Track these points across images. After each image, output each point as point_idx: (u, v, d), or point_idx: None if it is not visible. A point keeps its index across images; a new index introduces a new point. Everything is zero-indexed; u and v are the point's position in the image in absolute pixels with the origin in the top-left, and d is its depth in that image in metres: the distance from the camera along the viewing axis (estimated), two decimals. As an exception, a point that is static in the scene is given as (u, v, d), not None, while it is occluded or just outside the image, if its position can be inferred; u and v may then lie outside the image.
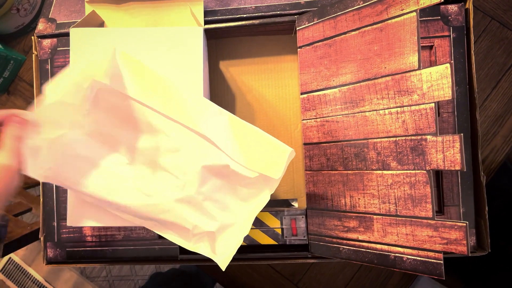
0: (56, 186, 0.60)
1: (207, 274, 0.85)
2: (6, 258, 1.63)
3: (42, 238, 0.61)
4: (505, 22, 0.81)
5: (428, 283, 1.29)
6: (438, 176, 0.56)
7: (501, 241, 0.85)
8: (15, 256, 1.63)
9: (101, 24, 0.60)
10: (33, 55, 0.61)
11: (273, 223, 0.58)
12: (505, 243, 0.83)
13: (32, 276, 1.61)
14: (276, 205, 0.64)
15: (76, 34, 0.55)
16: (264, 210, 0.59)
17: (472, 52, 0.53)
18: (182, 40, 0.54)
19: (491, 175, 0.81)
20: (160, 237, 0.59)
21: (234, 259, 0.59)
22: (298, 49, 0.57)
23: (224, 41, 0.65)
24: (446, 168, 0.43)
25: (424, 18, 0.55)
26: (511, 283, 0.78)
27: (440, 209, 0.56)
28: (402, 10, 0.45)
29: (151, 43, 0.54)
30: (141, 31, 0.54)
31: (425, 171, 0.44)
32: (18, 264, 1.62)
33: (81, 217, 0.55)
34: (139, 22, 0.59)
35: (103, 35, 0.55)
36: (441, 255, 0.44)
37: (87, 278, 1.58)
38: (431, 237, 0.44)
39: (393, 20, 0.46)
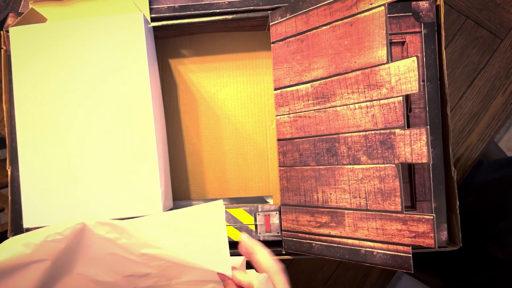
0: (25, 183, 0.59)
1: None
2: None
3: (10, 238, 0.59)
4: (480, 21, 0.83)
5: (409, 282, 1.30)
6: (410, 171, 0.56)
7: (478, 239, 0.86)
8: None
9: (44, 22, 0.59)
10: (2, 50, 0.60)
11: (247, 219, 0.58)
12: (482, 240, 0.84)
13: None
14: (251, 202, 0.63)
15: (17, 33, 0.54)
16: (237, 206, 0.58)
17: (443, 48, 0.53)
18: (123, 29, 0.54)
19: (467, 173, 0.82)
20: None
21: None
22: (272, 45, 0.57)
23: (198, 37, 0.65)
24: (413, 161, 0.43)
25: (396, 14, 0.55)
26: (489, 279, 0.79)
27: (412, 205, 0.56)
28: (371, 4, 0.45)
29: (92, 35, 0.54)
30: (81, 23, 0.54)
31: (394, 165, 0.44)
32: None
33: (38, 217, 0.54)
34: (82, 16, 0.58)
35: (43, 31, 0.54)
36: (409, 249, 0.44)
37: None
38: (400, 230, 0.44)
39: (363, 15, 0.46)
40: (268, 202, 0.62)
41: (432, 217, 0.42)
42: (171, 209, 0.57)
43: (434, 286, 1.10)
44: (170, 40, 0.65)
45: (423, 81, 0.55)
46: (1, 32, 0.60)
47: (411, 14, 0.55)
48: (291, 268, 0.86)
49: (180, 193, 0.66)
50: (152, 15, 0.58)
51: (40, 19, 0.58)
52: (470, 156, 0.82)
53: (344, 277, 0.85)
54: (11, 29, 0.54)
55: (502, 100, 0.81)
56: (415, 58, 0.41)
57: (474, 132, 0.82)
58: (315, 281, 0.85)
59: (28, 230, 0.59)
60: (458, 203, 0.52)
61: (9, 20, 0.61)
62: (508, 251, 0.68)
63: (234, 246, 0.59)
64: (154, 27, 0.59)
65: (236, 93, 0.64)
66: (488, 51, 0.82)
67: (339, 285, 0.85)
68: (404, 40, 0.55)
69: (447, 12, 0.82)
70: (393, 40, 0.55)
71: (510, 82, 0.81)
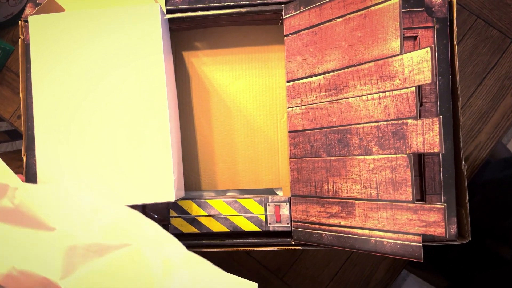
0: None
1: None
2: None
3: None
4: (491, 21, 0.83)
5: (414, 282, 1.30)
6: (420, 165, 0.56)
7: (485, 238, 0.86)
8: None
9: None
10: (20, 39, 0.61)
11: (257, 210, 0.58)
12: (488, 239, 0.84)
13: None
14: (260, 193, 0.64)
15: (35, 22, 0.55)
16: (248, 197, 0.59)
17: (455, 43, 0.54)
18: (139, 19, 0.55)
19: (475, 172, 0.82)
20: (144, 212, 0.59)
21: (217, 245, 0.59)
22: (285, 37, 0.58)
23: (212, 30, 0.66)
24: (425, 151, 0.43)
25: (408, 9, 0.56)
26: (494, 279, 0.79)
27: (422, 198, 0.56)
28: (385, -4, 0.46)
29: (109, 25, 0.55)
30: (98, 13, 0.55)
31: (405, 155, 0.45)
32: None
33: None
34: (99, 5, 0.59)
35: (61, 19, 0.55)
36: (420, 238, 0.44)
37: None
38: (411, 220, 0.45)
39: (377, 7, 0.47)
40: (277, 194, 0.63)
41: (443, 206, 0.42)
42: (182, 199, 0.58)
43: (438, 285, 1.10)
44: (184, 33, 0.66)
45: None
46: (20, 22, 0.62)
47: (423, 9, 0.56)
48: (297, 264, 0.86)
49: (191, 184, 0.66)
50: (167, 7, 0.59)
51: (58, 9, 0.59)
52: (478, 156, 0.82)
53: (351, 273, 0.85)
54: (30, 18, 0.55)
55: (511, 99, 0.82)
56: (428, 48, 0.42)
57: (483, 131, 0.82)
58: (321, 277, 0.86)
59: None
60: (468, 197, 0.53)
61: (27, 10, 0.62)
62: None
63: (242, 235, 0.59)
64: (168, 19, 0.60)
65: (248, 86, 0.65)
66: (498, 51, 0.82)
67: (346, 281, 0.85)
68: (416, 34, 0.56)
69: (458, 11, 0.83)
70: (405, 35, 0.56)
71: (520, 81, 0.81)
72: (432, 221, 0.43)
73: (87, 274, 0.38)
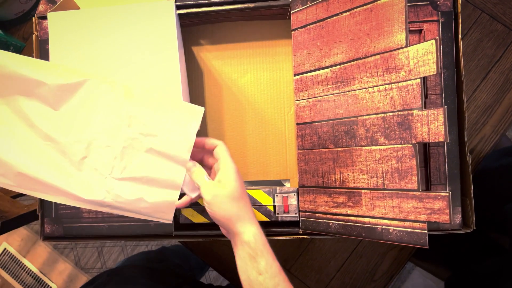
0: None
1: (199, 258, 0.87)
2: (1, 249, 1.64)
3: (39, 214, 0.62)
4: (495, 15, 0.84)
5: (419, 275, 1.31)
6: (425, 156, 0.58)
7: (483, 226, 0.87)
8: (10, 247, 1.64)
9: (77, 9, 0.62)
10: (34, 35, 0.63)
11: (266, 200, 0.60)
12: (486, 227, 0.85)
13: (27, 267, 1.61)
14: (269, 185, 0.66)
15: (54, 18, 0.57)
16: (257, 188, 0.60)
17: (460, 36, 0.55)
18: (154, 15, 0.57)
19: (479, 164, 0.83)
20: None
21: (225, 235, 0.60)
22: (292, 32, 0.59)
23: (220, 25, 0.67)
24: (430, 140, 0.44)
25: (414, 3, 0.57)
26: (494, 267, 0.80)
27: (427, 188, 0.57)
28: (391, -10, 0.47)
29: (125, 20, 0.57)
30: (114, 10, 0.57)
31: (411, 145, 0.46)
32: (13, 255, 1.63)
33: None
34: (112, 2, 0.61)
35: (78, 16, 0.57)
36: (425, 225, 0.45)
37: (82, 269, 1.59)
38: (416, 208, 0.46)
39: (383, 1, 0.48)
40: (285, 185, 0.64)
41: (448, 194, 0.44)
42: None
43: (442, 276, 1.12)
44: (193, 28, 0.67)
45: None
46: (33, 18, 0.63)
47: (428, 3, 0.57)
48: (304, 256, 0.88)
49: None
50: (177, 3, 0.61)
51: (74, 6, 0.61)
52: (483, 149, 0.83)
53: (357, 264, 0.87)
54: (49, 14, 0.56)
55: (516, 93, 0.82)
56: (433, 41, 0.43)
57: (488, 124, 0.83)
58: (328, 268, 0.87)
59: (62, 205, 0.62)
60: (472, 187, 0.54)
61: (41, 7, 0.64)
62: None
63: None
64: (179, 15, 0.61)
65: (256, 80, 0.67)
66: (502, 45, 0.83)
67: (352, 273, 0.87)
68: (421, 28, 0.57)
69: (463, 6, 0.84)
70: (410, 28, 0.57)
71: (524, 75, 0.82)
72: (437, 208, 0.44)
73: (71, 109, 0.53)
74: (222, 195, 0.46)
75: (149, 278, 0.67)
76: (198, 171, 0.50)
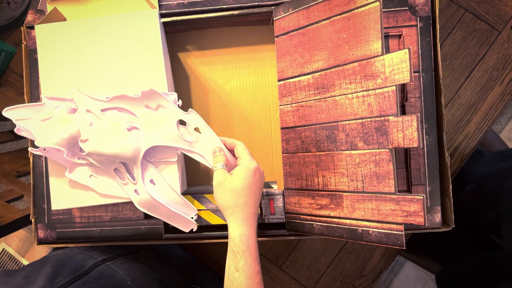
0: (46, 170, 0.63)
1: (192, 258, 0.89)
2: (-1, 249, 1.66)
3: (33, 220, 0.64)
4: (479, 14, 0.85)
5: (412, 268, 1.33)
6: (406, 157, 0.59)
7: (476, 225, 0.88)
8: (9, 248, 1.66)
9: (64, 20, 0.64)
10: (23, 45, 0.64)
11: (252, 203, 0.61)
12: (479, 227, 0.87)
13: (25, 267, 1.63)
14: (256, 187, 0.67)
15: (41, 30, 0.59)
16: (243, 191, 0.62)
17: (438, 41, 0.57)
18: (139, 25, 0.58)
19: (465, 161, 0.85)
20: (146, 216, 0.62)
21: (215, 237, 0.62)
22: (275, 38, 0.60)
23: (205, 31, 0.68)
24: (405, 146, 0.46)
25: (393, 9, 0.58)
26: (487, 263, 0.82)
27: (408, 188, 0.59)
28: (367, 0, 0.49)
29: (110, 30, 0.58)
30: (100, 20, 0.58)
31: (388, 150, 0.48)
32: (12, 256, 1.65)
33: (65, 200, 0.59)
34: (98, 13, 0.62)
35: (65, 28, 0.59)
36: (402, 227, 0.47)
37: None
38: (393, 210, 0.48)
39: (359, 10, 0.50)
40: (272, 187, 0.66)
41: (422, 197, 0.45)
42: (184, 193, 0.62)
43: (433, 269, 1.14)
44: (179, 35, 0.69)
45: (417, 72, 0.58)
46: (22, 28, 0.64)
47: (407, 8, 0.58)
48: (295, 253, 0.90)
49: (191, 180, 0.70)
50: (163, 11, 0.62)
51: (60, 17, 0.62)
52: (468, 145, 0.85)
53: (346, 260, 0.89)
54: (36, 26, 0.58)
55: (499, 90, 0.84)
56: (407, 50, 0.45)
57: (472, 122, 0.85)
58: (318, 264, 0.89)
59: (55, 211, 0.63)
60: (451, 187, 0.56)
61: (29, 17, 0.65)
62: (506, 236, 0.71)
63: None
64: (164, 23, 0.62)
65: (242, 85, 0.68)
66: (486, 43, 0.85)
67: (341, 268, 0.89)
68: (400, 33, 0.58)
69: (446, 5, 0.85)
70: (390, 33, 0.59)
71: (507, 72, 0.84)
72: (412, 211, 0.46)
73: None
74: (226, 185, 0.49)
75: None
76: (219, 157, 0.53)
